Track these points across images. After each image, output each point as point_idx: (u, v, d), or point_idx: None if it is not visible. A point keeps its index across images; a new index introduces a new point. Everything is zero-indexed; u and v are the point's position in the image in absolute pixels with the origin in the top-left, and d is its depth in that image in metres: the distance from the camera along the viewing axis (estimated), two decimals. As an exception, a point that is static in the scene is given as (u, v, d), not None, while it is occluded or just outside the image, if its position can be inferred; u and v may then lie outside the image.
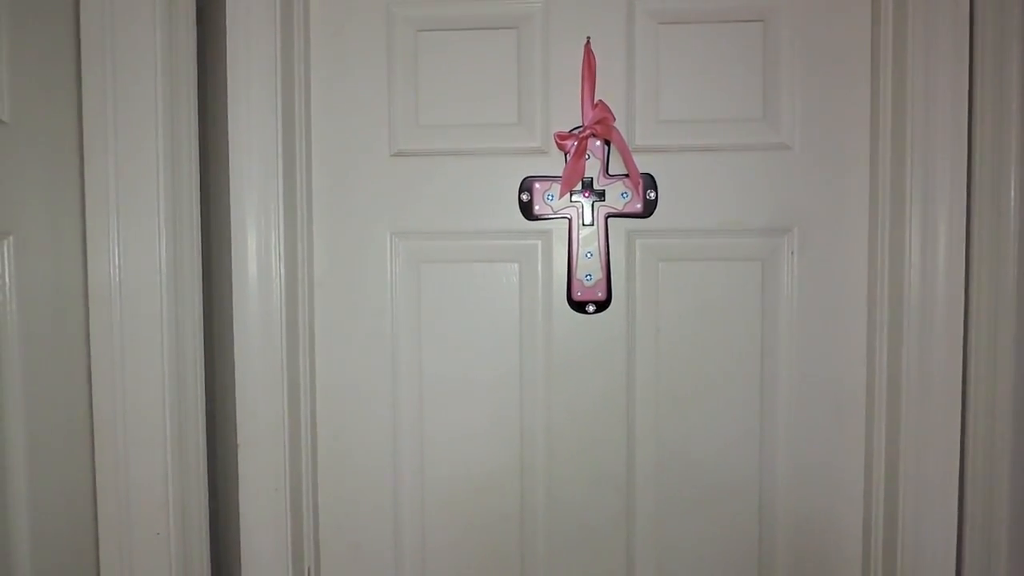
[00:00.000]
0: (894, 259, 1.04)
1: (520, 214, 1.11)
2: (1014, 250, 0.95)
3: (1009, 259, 0.95)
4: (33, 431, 0.92)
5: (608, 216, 1.10)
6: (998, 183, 0.96)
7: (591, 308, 1.12)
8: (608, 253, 1.11)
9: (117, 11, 0.96)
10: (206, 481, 1.05)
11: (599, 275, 1.11)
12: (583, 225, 1.11)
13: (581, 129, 1.08)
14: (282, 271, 1.06)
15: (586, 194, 1.10)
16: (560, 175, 1.09)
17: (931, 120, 0.99)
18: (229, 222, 1.05)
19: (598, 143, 1.10)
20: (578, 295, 1.11)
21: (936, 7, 0.98)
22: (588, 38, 1.08)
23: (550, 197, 1.11)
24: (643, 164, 1.09)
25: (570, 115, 1.09)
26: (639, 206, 1.10)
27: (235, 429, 1.06)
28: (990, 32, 0.96)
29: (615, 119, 1.07)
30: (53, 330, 0.95)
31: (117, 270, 0.97)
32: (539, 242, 1.12)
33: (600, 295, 1.11)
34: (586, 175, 1.10)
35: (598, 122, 1.07)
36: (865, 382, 1.10)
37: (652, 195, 1.10)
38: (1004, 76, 0.95)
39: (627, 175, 1.09)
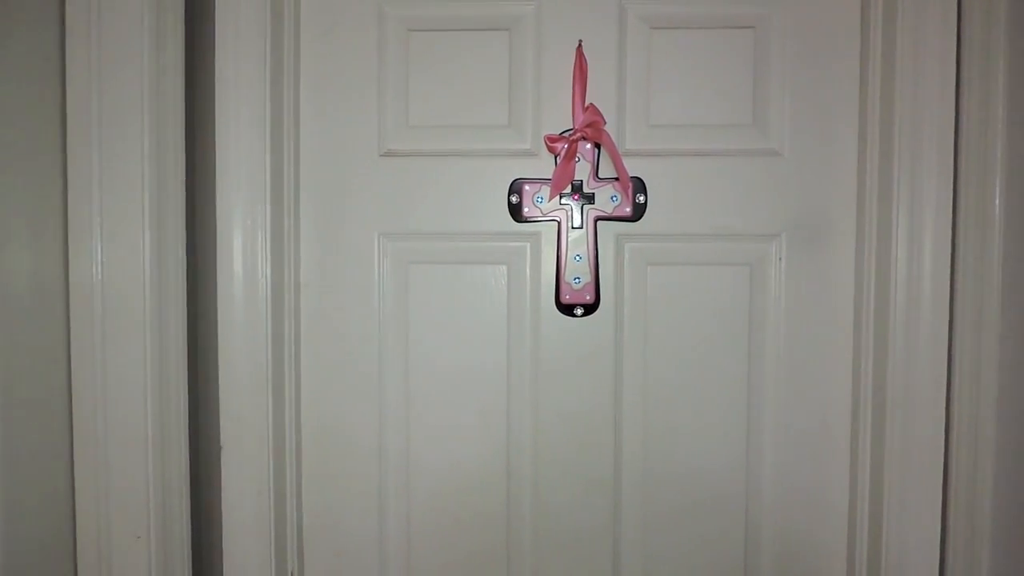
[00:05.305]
0: (880, 265, 1.04)
1: (509, 216, 1.11)
2: (998, 258, 0.96)
3: (994, 267, 0.96)
4: (10, 431, 0.90)
5: (597, 219, 1.10)
6: (983, 191, 0.97)
7: (579, 311, 1.11)
8: (597, 256, 1.11)
9: (103, 7, 0.94)
10: (188, 484, 1.03)
11: (588, 278, 1.11)
12: (572, 228, 1.11)
13: (571, 132, 1.08)
14: (268, 271, 1.04)
15: (575, 197, 1.10)
16: (550, 177, 1.09)
17: (918, 128, 1.00)
18: (215, 221, 1.03)
19: (588, 146, 1.09)
20: (566, 298, 1.11)
21: (924, 16, 0.99)
22: (580, 41, 1.08)
23: (539, 200, 1.10)
24: (633, 168, 1.09)
25: (561, 118, 1.09)
26: (628, 210, 1.10)
27: (218, 431, 1.05)
28: (977, 42, 0.97)
29: (605, 122, 1.07)
30: (33, 330, 0.93)
31: (100, 268, 0.96)
32: (528, 244, 1.12)
33: (588, 298, 1.11)
34: (576, 178, 1.10)
35: (588, 125, 1.06)
36: (851, 387, 1.10)
37: (641, 199, 1.10)
38: (990, 85, 0.96)
39: (617, 179, 1.08)
